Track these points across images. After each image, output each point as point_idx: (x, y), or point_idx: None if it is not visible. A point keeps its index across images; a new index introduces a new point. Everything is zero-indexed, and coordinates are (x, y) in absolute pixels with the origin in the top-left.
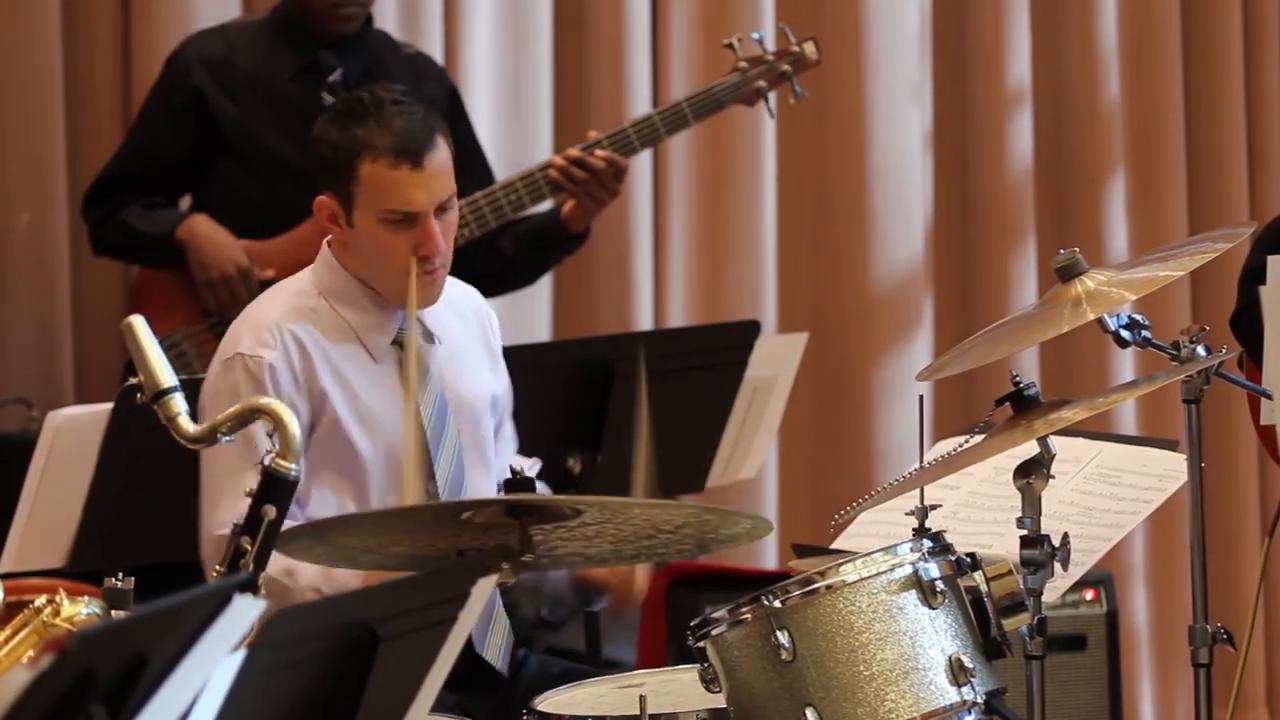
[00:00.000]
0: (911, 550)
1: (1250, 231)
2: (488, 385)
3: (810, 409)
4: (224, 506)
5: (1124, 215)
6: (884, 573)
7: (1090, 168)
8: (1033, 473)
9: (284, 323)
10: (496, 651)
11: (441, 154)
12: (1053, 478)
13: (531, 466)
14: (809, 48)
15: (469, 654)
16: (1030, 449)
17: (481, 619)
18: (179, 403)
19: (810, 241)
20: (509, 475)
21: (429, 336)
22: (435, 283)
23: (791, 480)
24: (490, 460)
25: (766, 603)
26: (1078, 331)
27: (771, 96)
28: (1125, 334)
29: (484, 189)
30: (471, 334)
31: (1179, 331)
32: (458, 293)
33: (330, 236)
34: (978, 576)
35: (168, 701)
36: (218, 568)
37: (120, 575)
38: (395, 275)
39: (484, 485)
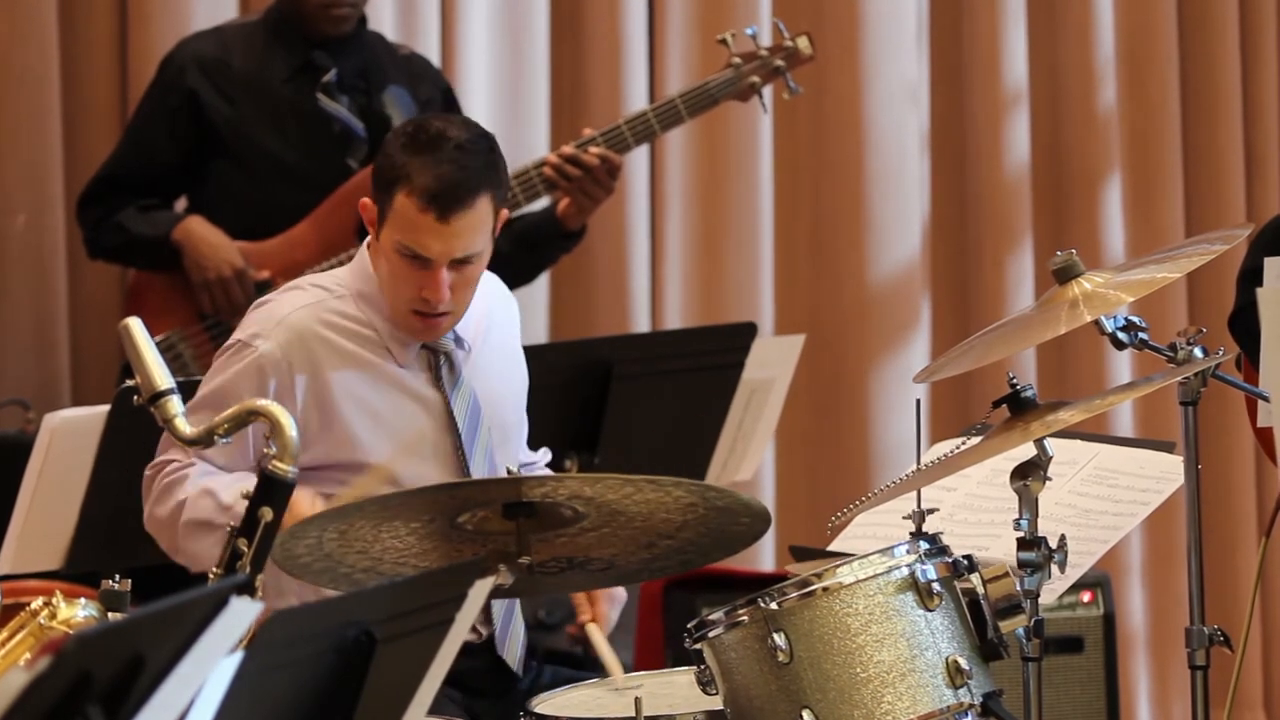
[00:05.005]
0: (908, 552)
1: (1247, 233)
2: (520, 380)
3: (807, 411)
4: None
5: (1121, 217)
6: (881, 575)
7: (1087, 169)
8: (1030, 475)
9: (294, 318)
10: (515, 654)
11: (474, 214)
12: (1050, 480)
13: (542, 456)
14: (803, 42)
15: (487, 660)
16: (1027, 451)
17: (502, 622)
18: (176, 404)
19: (807, 243)
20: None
21: (459, 342)
22: (433, 328)
23: (788, 482)
24: (518, 457)
25: (763, 605)
26: (1075, 333)
27: (766, 92)
28: (1122, 336)
29: None
30: (504, 329)
31: (1176, 333)
32: (488, 286)
33: (370, 240)
34: (975, 578)
35: (165, 703)
36: (215, 570)
37: (117, 577)
38: (399, 301)
39: None
